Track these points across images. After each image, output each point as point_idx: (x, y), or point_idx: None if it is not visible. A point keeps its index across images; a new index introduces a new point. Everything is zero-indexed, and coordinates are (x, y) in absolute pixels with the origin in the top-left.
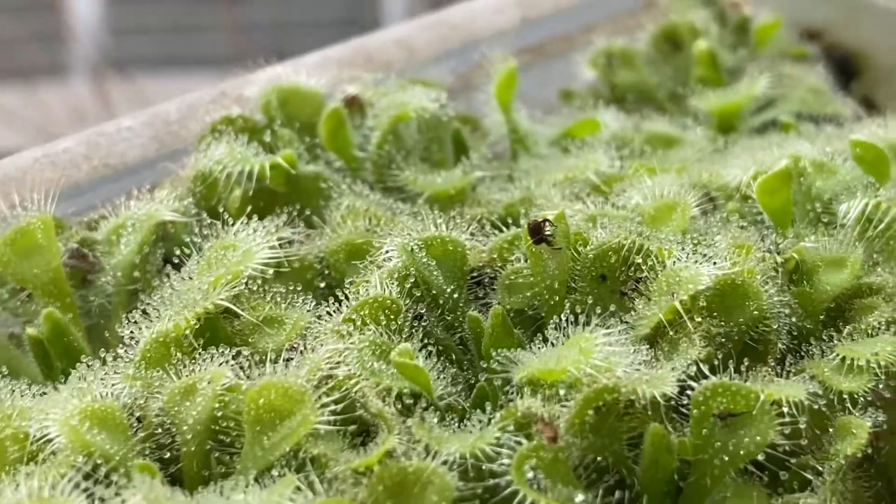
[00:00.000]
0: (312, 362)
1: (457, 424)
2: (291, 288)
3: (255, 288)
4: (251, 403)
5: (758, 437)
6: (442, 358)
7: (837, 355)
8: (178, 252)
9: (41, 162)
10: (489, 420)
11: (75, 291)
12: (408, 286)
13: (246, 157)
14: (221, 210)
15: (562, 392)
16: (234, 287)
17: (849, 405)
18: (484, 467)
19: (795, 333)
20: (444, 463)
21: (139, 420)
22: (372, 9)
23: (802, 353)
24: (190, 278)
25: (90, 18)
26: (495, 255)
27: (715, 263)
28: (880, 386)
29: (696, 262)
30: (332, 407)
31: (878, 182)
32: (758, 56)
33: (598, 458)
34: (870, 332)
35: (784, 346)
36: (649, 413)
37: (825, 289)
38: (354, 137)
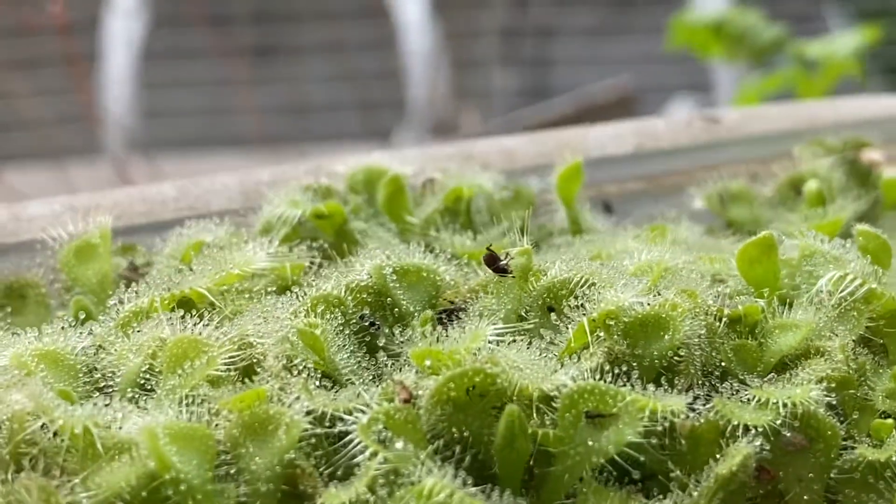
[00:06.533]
0: (237, 329)
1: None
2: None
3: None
4: (169, 352)
5: (615, 437)
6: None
7: (750, 395)
8: None
9: (132, 196)
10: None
11: None
12: (363, 296)
13: (297, 202)
14: None
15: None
16: (223, 284)
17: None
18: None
19: (718, 374)
20: (308, 413)
21: (90, 371)
22: (394, 91)
23: (720, 393)
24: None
25: (120, 102)
26: (470, 294)
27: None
28: (778, 423)
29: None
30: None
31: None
32: (884, 212)
33: (456, 432)
34: (796, 383)
35: (700, 383)
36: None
37: (771, 348)
38: (413, 209)
